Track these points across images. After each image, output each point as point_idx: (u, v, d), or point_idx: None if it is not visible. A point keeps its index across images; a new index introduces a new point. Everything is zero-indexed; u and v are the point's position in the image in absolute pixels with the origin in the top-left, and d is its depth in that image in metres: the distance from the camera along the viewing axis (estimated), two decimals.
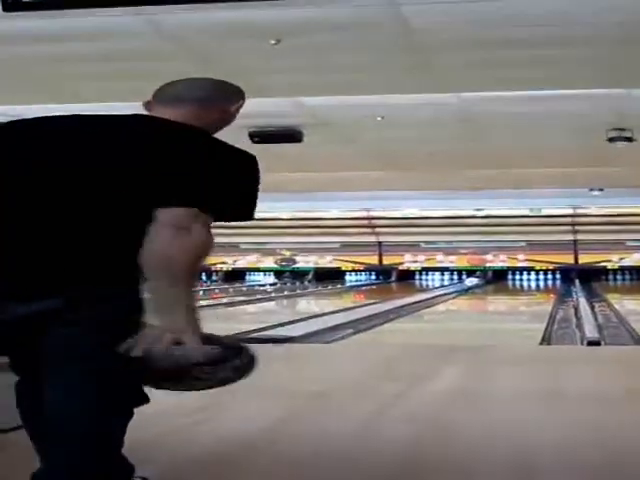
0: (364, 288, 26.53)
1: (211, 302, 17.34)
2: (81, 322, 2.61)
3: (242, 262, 29.45)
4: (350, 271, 29.16)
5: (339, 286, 26.59)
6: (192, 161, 2.63)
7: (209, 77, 3.02)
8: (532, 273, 28.42)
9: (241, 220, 2.76)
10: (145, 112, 2.92)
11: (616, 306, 16.12)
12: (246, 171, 2.71)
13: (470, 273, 28.29)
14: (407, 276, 28.70)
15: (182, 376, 2.46)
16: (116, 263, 2.62)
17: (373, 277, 29.38)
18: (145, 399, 2.79)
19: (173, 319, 2.42)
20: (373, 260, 28.66)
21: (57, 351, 2.66)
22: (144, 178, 2.60)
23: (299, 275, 29.02)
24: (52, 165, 2.67)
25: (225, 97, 2.95)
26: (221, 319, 11.57)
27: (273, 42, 7.28)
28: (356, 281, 28.83)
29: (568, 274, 27.30)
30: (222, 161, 2.67)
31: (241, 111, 3.02)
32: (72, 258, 2.62)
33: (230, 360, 2.49)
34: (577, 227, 26.93)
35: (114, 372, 2.67)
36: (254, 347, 2.71)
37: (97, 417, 2.66)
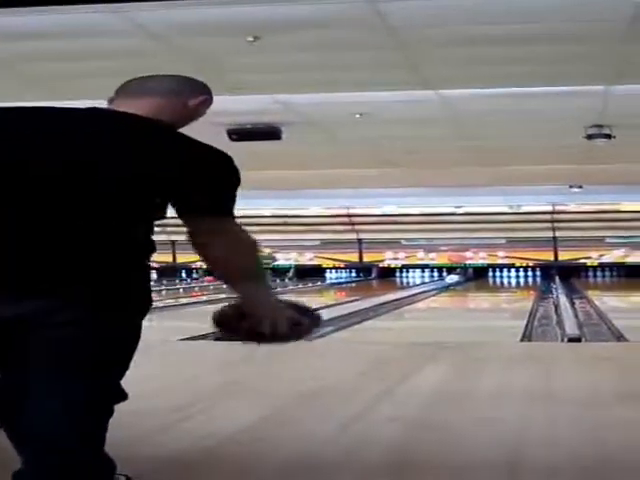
0: (345, 286, 26.53)
1: (191, 300, 17.31)
2: (64, 325, 2.59)
3: None
4: (331, 268, 29.16)
5: (319, 284, 26.58)
6: (203, 173, 2.65)
7: (173, 74, 2.99)
8: (512, 270, 28.50)
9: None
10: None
11: (596, 303, 16.17)
12: (218, 170, 2.70)
13: (450, 270, 28.33)
14: (388, 273, 28.72)
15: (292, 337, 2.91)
16: (102, 265, 2.61)
17: (354, 274, 29.37)
18: (123, 396, 2.78)
19: (272, 306, 2.81)
20: (354, 257, 28.67)
21: (41, 352, 2.64)
22: (137, 182, 2.58)
23: (279, 273, 29.00)
24: (38, 161, 2.62)
25: (187, 90, 2.92)
26: (201, 317, 11.52)
27: (251, 39, 7.25)
28: (336, 279, 28.82)
29: (548, 271, 27.39)
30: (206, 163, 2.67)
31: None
32: (57, 258, 2.60)
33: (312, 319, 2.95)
34: (557, 224, 27.01)
35: (98, 374, 2.66)
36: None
37: (81, 417, 2.65)
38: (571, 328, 10.49)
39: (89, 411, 2.67)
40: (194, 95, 2.90)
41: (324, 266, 29.05)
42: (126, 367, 2.78)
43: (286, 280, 28.01)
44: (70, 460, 2.65)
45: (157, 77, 2.96)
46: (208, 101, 2.95)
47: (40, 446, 2.67)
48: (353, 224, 27.85)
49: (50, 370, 2.67)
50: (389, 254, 28.64)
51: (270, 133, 11.45)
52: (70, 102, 8.97)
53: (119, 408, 2.77)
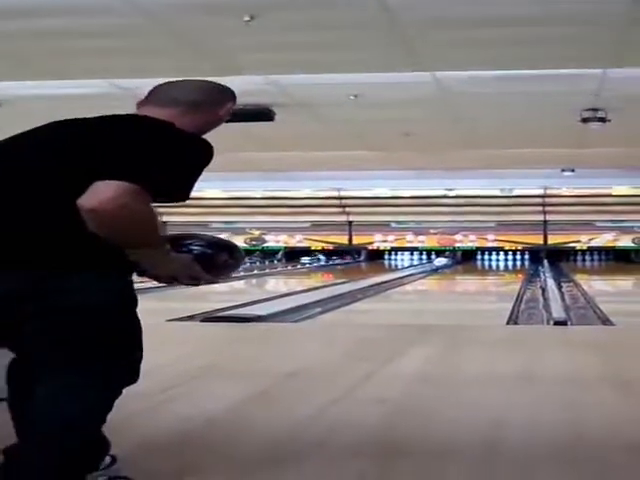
0: (333, 268, 26.49)
1: None
2: (51, 311, 2.65)
3: None
4: (319, 251, 29.05)
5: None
6: (137, 143, 2.75)
7: (202, 79, 3.12)
8: (501, 253, 28.53)
9: (175, 202, 2.83)
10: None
11: (584, 286, 16.22)
12: (192, 156, 2.80)
13: (439, 253, 28.34)
14: (376, 256, 28.68)
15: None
16: (77, 248, 2.66)
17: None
18: (135, 378, 2.85)
19: (167, 269, 2.87)
20: (343, 240, 28.65)
21: (37, 340, 2.71)
22: (93, 161, 2.69)
23: (269, 254, 28.97)
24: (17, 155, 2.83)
25: (216, 100, 3.03)
26: (190, 298, 11.54)
27: (247, 19, 7.25)
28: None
29: (537, 254, 27.44)
30: (170, 146, 2.78)
31: None
32: (32, 241, 2.66)
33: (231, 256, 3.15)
34: (547, 208, 27.03)
35: (93, 358, 2.71)
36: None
37: (83, 402, 2.71)
38: (557, 311, 10.50)
39: (93, 392, 2.73)
40: (223, 105, 3.04)
41: (313, 248, 29.02)
42: (127, 342, 2.84)
43: (275, 262, 28.01)
44: (70, 441, 2.70)
45: (186, 84, 3.05)
46: (233, 106, 3.07)
47: (31, 424, 2.71)
48: (344, 206, 27.83)
49: (39, 360, 2.73)
50: (378, 237, 28.65)
51: (263, 114, 11.44)
52: (62, 81, 8.93)
53: None
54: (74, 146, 2.76)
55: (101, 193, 2.57)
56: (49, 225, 2.67)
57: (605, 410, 4.62)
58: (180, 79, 3.08)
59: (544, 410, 4.61)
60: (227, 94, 3.07)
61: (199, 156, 2.80)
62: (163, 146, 2.77)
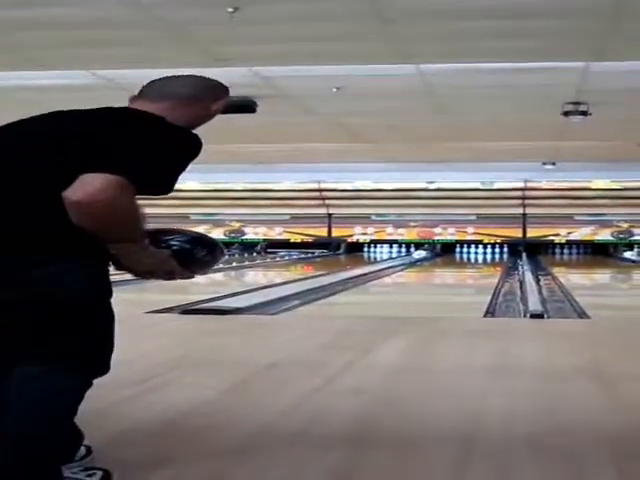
0: (312, 260, 26.48)
1: None
2: (25, 299, 2.67)
3: None
4: (299, 243, 28.99)
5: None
6: (125, 136, 2.76)
7: (195, 74, 3.11)
8: (480, 246, 28.57)
9: (158, 195, 2.83)
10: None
11: (561, 280, 16.28)
12: (180, 149, 2.82)
13: (419, 246, 28.36)
14: (355, 249, 28.65)
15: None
16: (55, 235, 2.68)
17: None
18: (106, 369, 2.86)
19: (145, 264, 2.84)
20: (323, 232, 28.63)
21: (9, 329, 2.72)
22: (75, 149, 2.71)
23: (248, 247, 28.91)
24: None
25: (209, 95, 3.04)
26: (169, 290, 11.52)
27: (231, 10, 7.25)
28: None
29: (515, 248, 27.50)
30: (158, 140, 2.79)
31: None
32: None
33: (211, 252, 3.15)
34: (527, 201, 27.09)
35: (60, 345, 2.72)
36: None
37: (59, 395, 2.72)
38: (534, 304, 10.54)
39: (63, 383, 2.74)
40: (215, 100, 3.03)
41: (292, 240, 28.97)
42: (101, 333, 2.85)
43: (254, 254, 27.97)
44: (26, 428, 2.70)
45: (178, 79, 3.05)
46: (226, 102, 3.07)
47: (16, 418, 2.72)
48: (324, 199, 27.82)
49: (23, 343, 2.74)
50: (358, 229, 28.64)
51: (245, 107, 11.43)
52: (46, 71, 8.89)
53: None
54: (64, 139, 2.76)
55: (88, 185, 2.59)
56: (31, 214, 2.69)
57: (582, 402, 4.65)
58: (173, 74, 3.09)
59: (521, 402, 4.65)
60: (220, 89, 3.09)
61: (186, 150, 2.81)
62: (151, 139, 2.78)
